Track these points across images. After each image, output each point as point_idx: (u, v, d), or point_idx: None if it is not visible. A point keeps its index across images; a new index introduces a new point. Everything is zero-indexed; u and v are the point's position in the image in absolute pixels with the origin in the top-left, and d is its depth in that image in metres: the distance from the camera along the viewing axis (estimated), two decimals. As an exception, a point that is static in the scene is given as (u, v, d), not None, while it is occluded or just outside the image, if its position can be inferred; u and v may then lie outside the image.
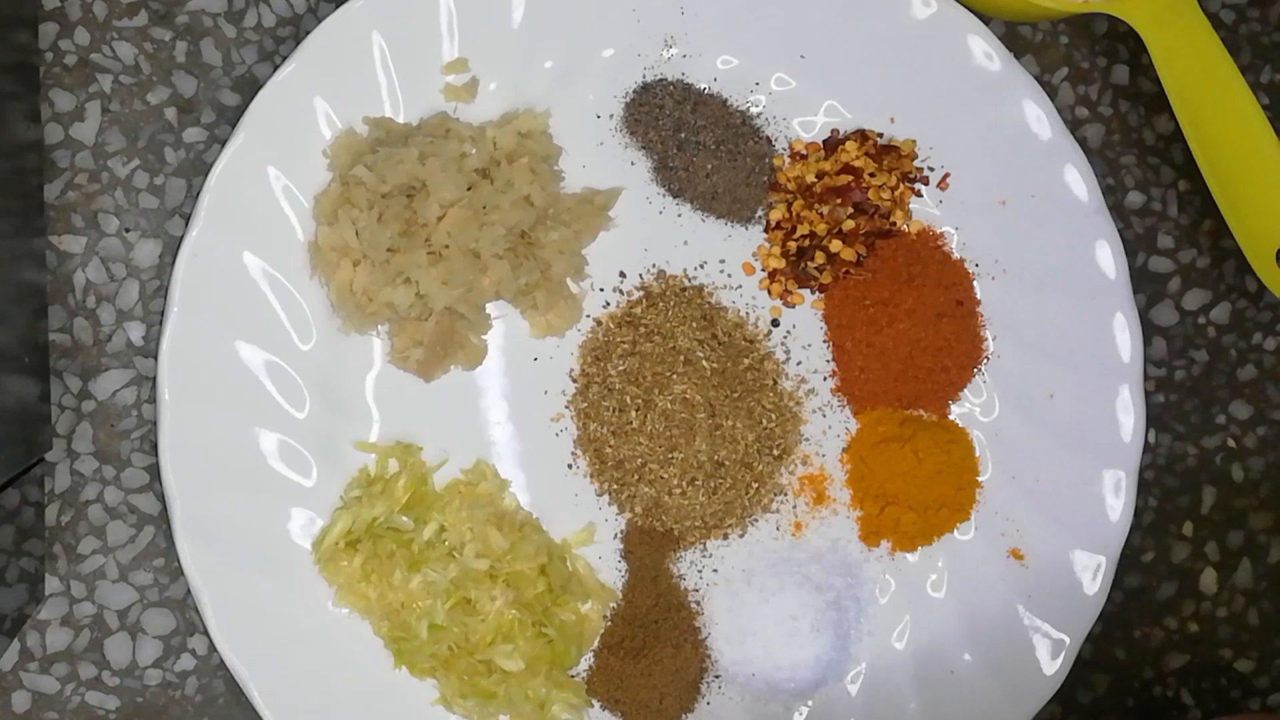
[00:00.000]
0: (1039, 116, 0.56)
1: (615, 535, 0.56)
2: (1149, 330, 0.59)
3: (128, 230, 0.56)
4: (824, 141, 0.57)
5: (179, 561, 0.52)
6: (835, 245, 0.55)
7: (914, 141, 0.56)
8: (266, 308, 0.53)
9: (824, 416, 0.56)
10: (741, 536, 0.56)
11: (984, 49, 0.56)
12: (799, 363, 0.57)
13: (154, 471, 0.55)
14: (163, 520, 0.55)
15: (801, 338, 0.57)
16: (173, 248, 0.55)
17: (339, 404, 0.54)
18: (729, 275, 0.56)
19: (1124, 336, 0.56)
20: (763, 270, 0.57)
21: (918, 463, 0.55)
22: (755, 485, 0.56)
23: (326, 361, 0.54)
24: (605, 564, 0.55)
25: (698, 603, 0.56)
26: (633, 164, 0.56)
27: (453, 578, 0.52)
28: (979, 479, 0.56)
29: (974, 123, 0.56)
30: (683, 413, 0.55)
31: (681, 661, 0.55)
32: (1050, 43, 0.60)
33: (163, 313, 0.52)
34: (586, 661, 0.55)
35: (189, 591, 0.53)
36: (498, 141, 0.54)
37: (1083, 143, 0.59)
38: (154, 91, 0.56)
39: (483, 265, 0.53)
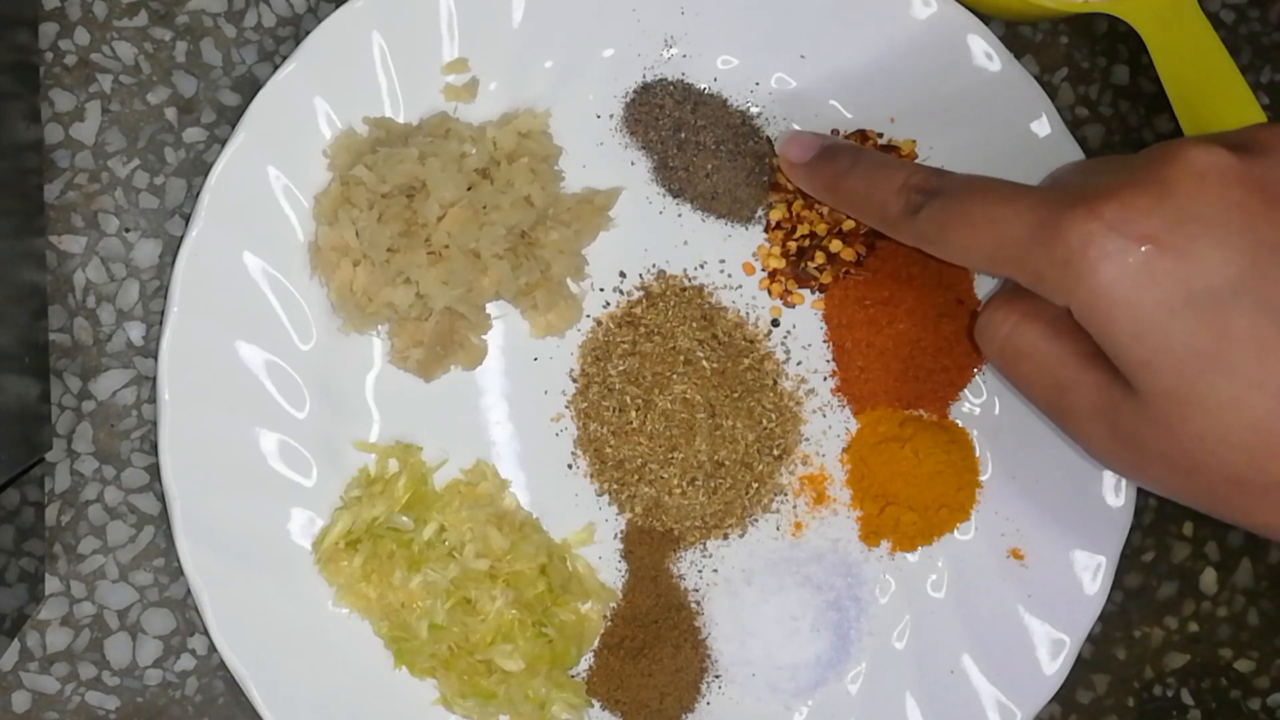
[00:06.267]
0: (1039, 116, 0.56)
1: (615, 535, 0.56)
2: (1149, 330, 0.59)
3: (128, 230, 0.56)
4: (824, 141, 0.57)
5: (179, 561, 0.52)
6: (835, 245, 0.55)
7: (914, 141, 0.56)
8: (266, 308, 0.53)
9: (824, 416, 0.56)
10: (741, 536, 0.56)
11: (984, 49, 0.56)
12: (799, 363, 0.57)
13: (154, 471, 0.55)
14: (163, 520, 0.55)
15: (801, 338, 0.57)
16: (173, 248, 0.55)
17: (339, 404, 0.54)
18: (729, 275, 0.56)
19: (1124, 336, 0.56)
20: (763, 270, 0.57)
21: (918, 463, 0.55)
22: (755, 485, 0.56)
23: (326, 361, 0.54)
24: (605, 564, 0.55)
25: (698, 603, 0.56)
26: (633, 164, 0.56)
27: (453, 578, 0.52)
28: (979, 479, 0.56)
29: (974, 123, 0.56)
30: (683, 413, 0.55)
31: (681, 661, 0.55)
32: (1050, 43, 0.60)
33: (163, 313, 0.52)
34: (586, 661, 0.55)
35: (189, 591, 0.53)
36: (498, 141, 0.54)
37: (1083, 143, 0.59)
38: (154, 91, 0.56)
39: (483, 265, 0.53)
